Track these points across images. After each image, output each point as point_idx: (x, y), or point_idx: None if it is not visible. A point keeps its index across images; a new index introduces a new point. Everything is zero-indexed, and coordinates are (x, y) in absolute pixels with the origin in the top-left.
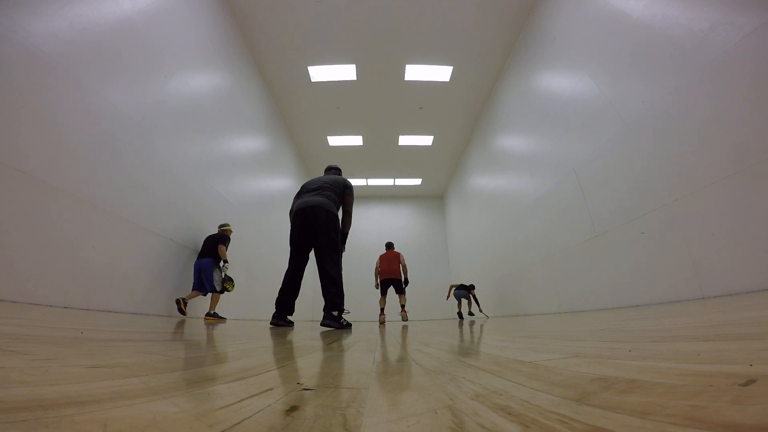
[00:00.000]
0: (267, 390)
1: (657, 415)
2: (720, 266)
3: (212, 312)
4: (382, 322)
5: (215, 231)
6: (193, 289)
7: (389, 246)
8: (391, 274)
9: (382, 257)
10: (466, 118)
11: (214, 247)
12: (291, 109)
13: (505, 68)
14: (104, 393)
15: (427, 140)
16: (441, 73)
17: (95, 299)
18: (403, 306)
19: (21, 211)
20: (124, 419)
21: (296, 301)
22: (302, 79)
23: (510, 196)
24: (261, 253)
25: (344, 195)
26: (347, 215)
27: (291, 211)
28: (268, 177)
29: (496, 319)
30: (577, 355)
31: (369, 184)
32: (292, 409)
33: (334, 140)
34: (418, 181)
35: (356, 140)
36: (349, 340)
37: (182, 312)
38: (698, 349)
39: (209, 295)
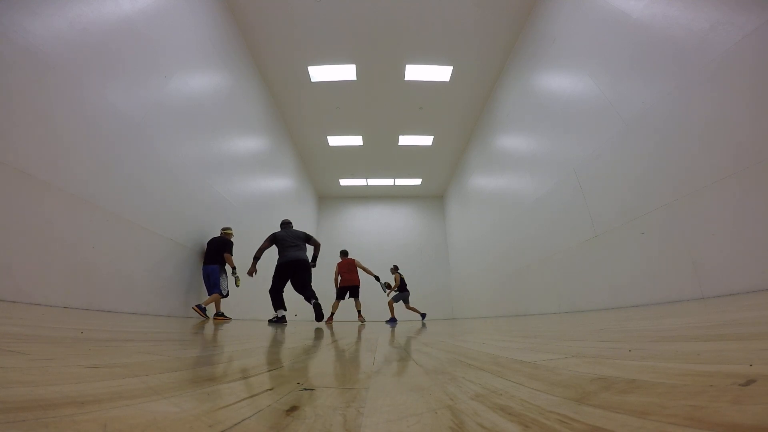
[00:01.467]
0: (267, 390)
1: (657, 415)
2: (720, 266)
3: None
4: (330, 323)
5: (217, 233)
6: (210, 293)
7: (346, 253)
8: (351, 282)
9: (341, 265)
10: (466, 118)
11: (219, 251)
12: (291, 109)
13: (505, 68)
14: (104, 393)
15: (427, 140)
16: (441, 73)
17: (95, 299)
18: (360, 311)
19: (21, 211)
20: (124, 419)
21: (298, 305)
22: (302, 79)
23: (510, 196)
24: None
25: (308, 240)
26: (317, 245)
27: (267, 254)
28: (268, 177)
29: (496, 320)
30: (577, 355)
31: (369, 184)
32: (292, 409)
33: (334, 140)
34: (418, 181)
35: (356, 140)
36: (349, 340)
37: (205, 315)
38: (698, 349)
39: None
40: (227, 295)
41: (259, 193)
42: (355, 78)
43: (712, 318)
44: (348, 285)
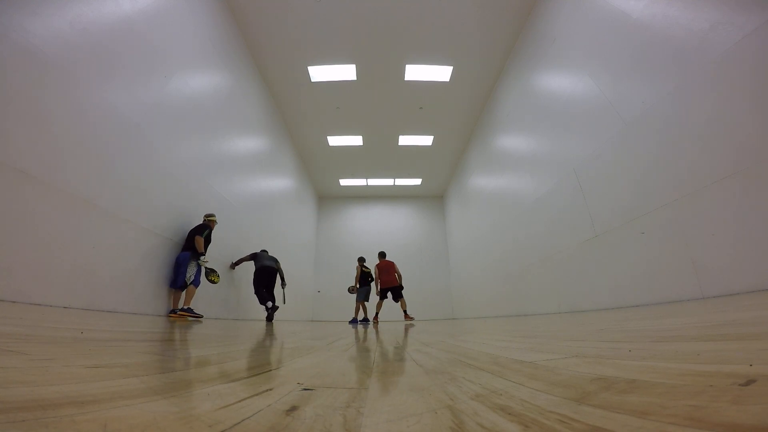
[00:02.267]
0: (267, 390)
1: (657, 415)
2: (720, 266)
3: (186, 307)
4: (376, 322)
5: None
6: (175, 284)
7: (384, 255)
8: (391, 283)
9: (380, 267)
10: (466, 118)
11: (191, 236)
12: (291, 109)
13: (505, 68)
14: (104, 393)
15: (427, 140)
16: (441, 73)
17: (95, 299)
18: (405, 311)
19: (21, 211)
20: (124, 419)
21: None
22: (302, 79)
23: (510, 196)
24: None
25: (277, 262)
26: (281, 271)
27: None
28: (268, 177)
29: (496, 320)
30: (577, 355)
31: (369, 184)
32: (292, 409)
33: (334, 140)
34: (418, 181)
35: (356, 140)
36: (349, 340)
37: (196, 315)
38: (698, 349)
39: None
40: (197, 284)
41: (259, 193)
42: (355, 78)
43: (712, 318)
44: (388, 286)
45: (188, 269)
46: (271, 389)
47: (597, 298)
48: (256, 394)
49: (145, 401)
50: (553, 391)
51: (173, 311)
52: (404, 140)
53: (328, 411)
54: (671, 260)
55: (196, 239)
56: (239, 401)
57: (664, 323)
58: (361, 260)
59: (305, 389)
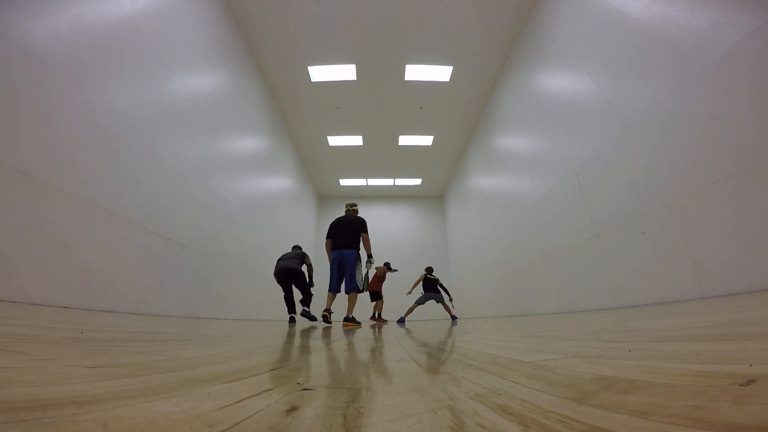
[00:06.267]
0: (267, 390)
1: (657, 415)
2: (720, 266)
3: (351, 316)
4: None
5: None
6: (333, 291)
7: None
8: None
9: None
10: (466, 118)
11: (356, 234)
12: (291, 109)
13: (505, 68)
14: (104, 393)
15: (427, 140)
16: (441, 73)
17: (95, 299)
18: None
19: (21, 211)
20: (124, 419)
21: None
22: (302, 79)
23: (510, 196)
24: (262, 253)
25: (304, 258)
26: (309, 266)
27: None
28: (268, 177)
29: (496, 320)
30: (577, 355)
31: (369, 184)
32: (292, 409)
33: (334, 140)
34: (418, 181)
35: (356, 140)
36: (349, 340)
37: (329, 321)
38: (698, 349)
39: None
40: (364, 290)
41: (259, 193)
42: (355, 78)
43: (712, 318)
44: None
45: (358, 273)
46: (271, 389)
47: (597, 298)
48: (256, 394)
49: (145, 401)
50: (553, 391)
51: (348, 318)
52: (404, 140)
53: (328, 411)
54: (671, 260)
55: (365, 238)
56: (239, 401)
57: (664, 323)
58: (429, 270)
59: (305, 389)
